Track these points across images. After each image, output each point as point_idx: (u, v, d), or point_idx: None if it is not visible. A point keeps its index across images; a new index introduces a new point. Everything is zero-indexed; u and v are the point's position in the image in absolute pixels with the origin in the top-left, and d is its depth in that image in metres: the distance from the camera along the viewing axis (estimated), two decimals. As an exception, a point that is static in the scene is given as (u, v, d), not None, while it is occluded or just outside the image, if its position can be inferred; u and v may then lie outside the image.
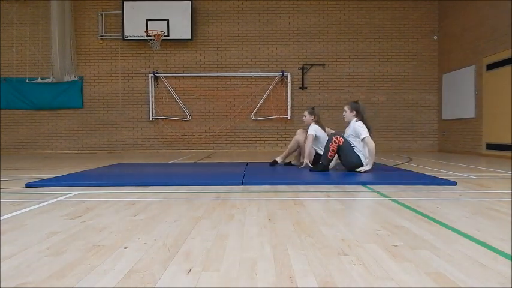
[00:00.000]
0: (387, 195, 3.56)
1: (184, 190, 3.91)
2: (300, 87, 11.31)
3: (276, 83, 11.26)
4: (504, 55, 8.27)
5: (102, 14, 11.24)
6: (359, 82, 11.32)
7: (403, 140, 11.32)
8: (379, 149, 11.24)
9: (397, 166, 6.46)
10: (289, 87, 11.21)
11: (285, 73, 11.18)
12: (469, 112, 9.58)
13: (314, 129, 5.59)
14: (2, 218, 2.70)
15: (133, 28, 10.86)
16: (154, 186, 4.14)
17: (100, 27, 11.25)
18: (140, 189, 3.98)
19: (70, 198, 3.50)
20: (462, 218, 2.68)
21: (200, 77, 11.33)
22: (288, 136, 11.10)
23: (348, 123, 5.23)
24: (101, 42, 11.32)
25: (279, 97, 11.24)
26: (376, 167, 5.20)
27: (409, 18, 11.26)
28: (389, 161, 7.39)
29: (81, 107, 11.35)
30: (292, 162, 6.07)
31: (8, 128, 11.30)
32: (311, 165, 5.44)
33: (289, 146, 6.00)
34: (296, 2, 11.28)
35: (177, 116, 11.35)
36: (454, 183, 4.17)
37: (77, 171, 5.52)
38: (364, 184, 4.19)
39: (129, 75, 11.37)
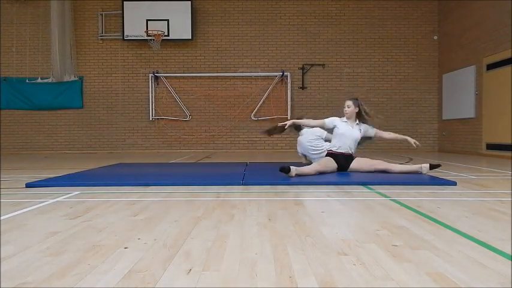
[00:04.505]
0: (387, 195, 3.56)
1: (184, 190, 3.91)
2: (300, 87, 11.31)
3: (276, 83, 11.26)
4: (504, 55, 8.26)
5: (102, 14, 11.23)
6: (359, 82, 11.32)
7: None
8: (380, 149, 11.24)
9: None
10: (289, 87, 11.20)
11: (285, 73, 11.17)
12: (469, 112, 9.58)
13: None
14: (2, 218, 2.70)
15: (133, 28, 10.86)
16: (154, 186, 4.14)
17: (100, 27, 11.25)
18: (140, 189, 3.98)
19: (70, 198, 3.50)
20: (462, 218, 2.68)
21: (200, 77, 11.33)
22: (288, 136, 11.10)
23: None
24: (101, 42, 11.32)
25: (279, 97, 11.24)
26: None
27: (409, 18, 11.26)
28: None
29: (81, 107, 11.35)
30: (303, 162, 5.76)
31: (8, 128, 11.30)
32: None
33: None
34: (296, 2, 11.28)
35: (177, 116, 11.35)
36: (454, 183, 4.17)
37: (77, 171, 5.52)
38: (364, 184, 4.18)
39: (129, 75, 11.37)
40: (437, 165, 4.90)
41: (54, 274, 1.65)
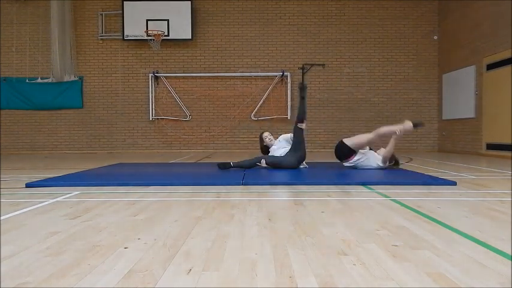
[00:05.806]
0: (387, 195, 3.56)
1: (184, 190, 3.91)
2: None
3: (276, 83, 11.26)
4: (504, 55, 8.26)
5: (102, 14, 11.24)
6: (359, 82, 11.32)
7: (403, 140, 11.30)
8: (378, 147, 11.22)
9: (397, 166, 6.44)
10: (289, 87, 11.21)
11: (285, 73, 11.18)
12: (469, 112, 9.58)
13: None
14: (2, 218, 2.70)
15: (133, 28, 10.86)
16: (154, 186, 4.14)
17: (100, 27, 11.25)
18: (140, 189, 3.98)
19: (70, 198, 3.50)
20: (462, 218, 2.68)
21: (200, 77, 11.33)
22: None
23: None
24: (101, 42, 11.32)
25: (279, 97, 11.24)
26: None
27: (409, 18, 11.26)
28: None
29: (81, 107, 11.36)
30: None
31: (8, 128, 11.30)
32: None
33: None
34: (296, 2, 11.28)
35: (177, 116, 11.35)
36: (454, 183, 4.17)
37: (77, 171, 5.52)
38: (364, 184, 4.19)
39: (129, 75, 11.37)
40: (420, 124, 5.24)
41: (54, 274, 1.65)
